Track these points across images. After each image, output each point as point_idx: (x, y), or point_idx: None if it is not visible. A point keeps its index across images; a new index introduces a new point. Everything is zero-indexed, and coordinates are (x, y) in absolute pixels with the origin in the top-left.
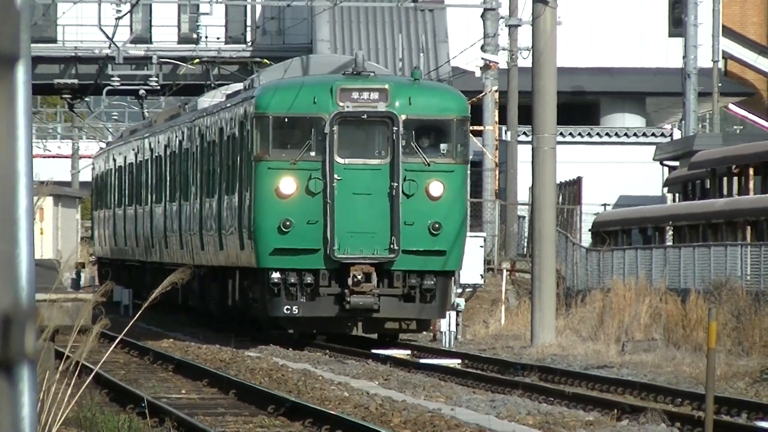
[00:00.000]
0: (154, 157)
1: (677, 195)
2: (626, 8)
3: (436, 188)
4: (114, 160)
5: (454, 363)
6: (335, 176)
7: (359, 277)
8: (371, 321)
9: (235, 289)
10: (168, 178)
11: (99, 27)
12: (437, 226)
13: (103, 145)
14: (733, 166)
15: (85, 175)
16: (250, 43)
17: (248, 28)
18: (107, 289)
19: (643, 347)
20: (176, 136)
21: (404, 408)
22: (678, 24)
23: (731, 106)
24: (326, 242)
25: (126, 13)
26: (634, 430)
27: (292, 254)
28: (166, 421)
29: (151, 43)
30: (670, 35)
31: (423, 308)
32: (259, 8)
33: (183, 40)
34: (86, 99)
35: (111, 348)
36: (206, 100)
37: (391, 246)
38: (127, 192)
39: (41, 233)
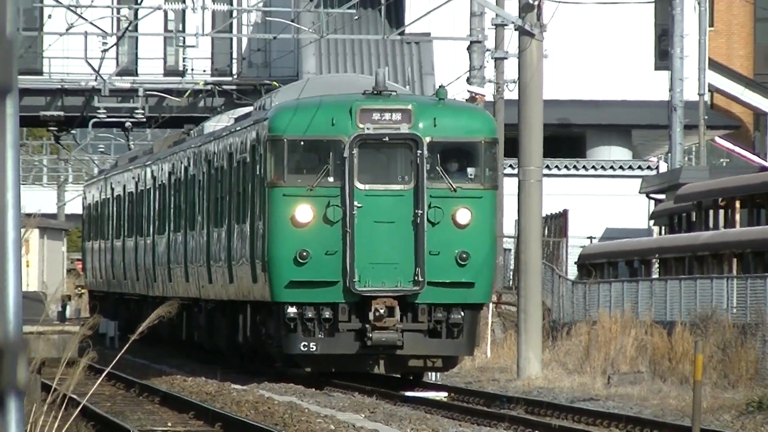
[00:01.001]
0: (157, 184)
1: (663, 228)
2: (612, 41)
3: (463, 216)
4: (111, 188)
5: (440, 396)
6: (355, 203)
7: (381, 311)
8: (394, 358)
9: (247, 325)
10: (172, 207)
11: (85, 59)
12: (465, 256)
13: (95, 174)
14: (720, 199)
15: (72, 208)
16: (236, 75)
17: (234, 61)
18: (95, 323)
19: (629, 380)
20: (181, 163)
21: None
22: (664, 57)
23: (717, 139)
24: (346, 274)
25: (112, 46)
26: None
27: (309, 287)
28: None
29: (137, 75)
30: (657, 68)
31: (450, 344)
32: (245, 41)
33: (169, 72)
34: (72, 131)
35: (98, 381)
36: (213, 125)
37: (416, 277)
38: (126, 222)
39: (27, 265)
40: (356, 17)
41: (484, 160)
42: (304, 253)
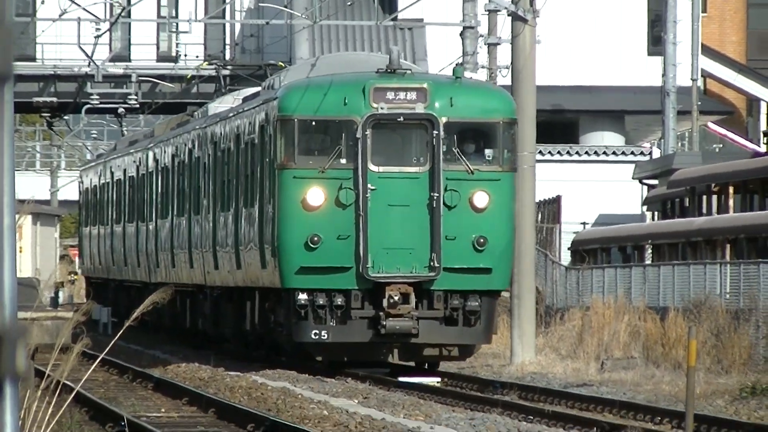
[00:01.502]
0: (159, 168)
1: (656, 213)
2: (605, 27)
3: (480, 199)
4: (111, 172)
5: (433, 381)
6: (369, 186)
7: (396, 298)
8: (409, 347)
9: (255, 312)
10: (176, 191)
11: (78, 45)
12: (482, 240)
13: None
14: (713, 185)
15: (65, 194)
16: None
17: (227, 47)
18: (88, 309)
19: (622, 365)
20: (185, 145)
21: (383, 426)
22: (657, 42)
23: (710, 125)
24: (359, 259)
25: (105, 32)
26: None
27: (320, 273)
28: None
29: (130, 61)
30: (650, 54)
31: (466, 332)
32: (238, 27)
33: (162, 58)
34: (65, 117)
35: (92, 368)
36: (218, 106)
37: (431, 263)
38: (127, 206)
39: (20, 251)
40: (349, 3)
41: (502, 141)
42: (316, 238)
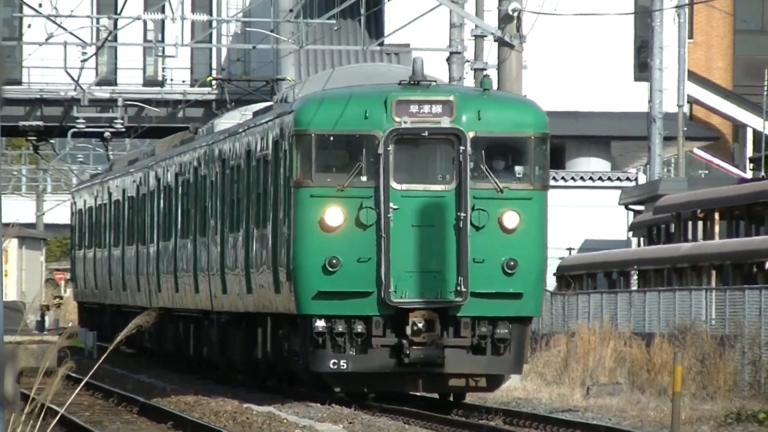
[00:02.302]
0: (162, 187)
1: (642, 239)
2: (592, 52)
3: (510, 219)
4: (108, 193)
5: (419, 407)
6: (391, 205)
7: (420, 324)
8: (434, 377)
9: (267, 340)
10: (180, 211)
11: (65, 69)
12: (512, 263)
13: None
14: (699, 211)
15: (51, 218)
16: (215, 86)
17: (213, 71)
18: (73, 332)
19: (607, 391)
20: (190, 163)
21: None
22: (644, 68)
23: (696, 151)
24: (380, 284)
25: (91, 56)
26: None
27: (339, 298)
28: None
29: (116, 85)
30: (636, 79)
31: (495, 362)
32: (224, 51)
33: (148, 82)
34: (51, 141)
35: (76, 391)
36: (225, 122)
37: (458, 288)
38: (126, 228)
39: (6, 275)
40: (336, 28)
41: (534, 158)
42: (334, 261)
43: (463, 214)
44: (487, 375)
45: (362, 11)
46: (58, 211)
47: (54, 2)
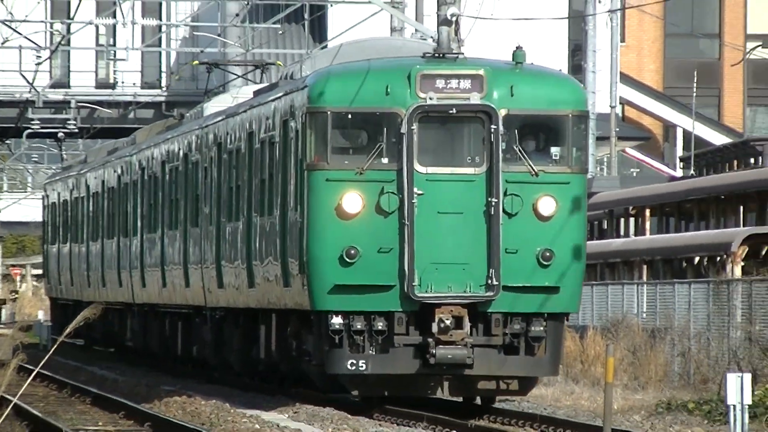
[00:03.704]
0: (146, 176)
1: None
2: (528, 55)
3: (546, 205)
4: (86, 185)
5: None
6: (415, 190)
7: (447, 321)
8: (461, 379)
9: (271, 338)
10: (167, 201)
11: (20, 72)
12: (548, 254)
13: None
14: (630, 208)
15: (6, 215)
16: (164, 88)
17: (163, 74)
18: (26, 324)
19: (543, 382)
20: (179, 149)
21: None
22: (577, 70)
23: (628, 150)
24: (403, 276)
25: (45, 59)
26: None
27: (358, 292)
28: None
29: (69, 87)
30: None
31: (529, 363)
32: (173, 54)
33: (100, 85)
34: (7, 142)
35: (28, 381)
36: (216, 106)
37: (489, 281)
38: (106, 221)
39: None
40: (281, 32)
41: (571, 138)
42: (353, 251)
43: (494, 200)
44: (520, 377)
45: (306, 16)
46: (14, 210)
47: (9, 7)
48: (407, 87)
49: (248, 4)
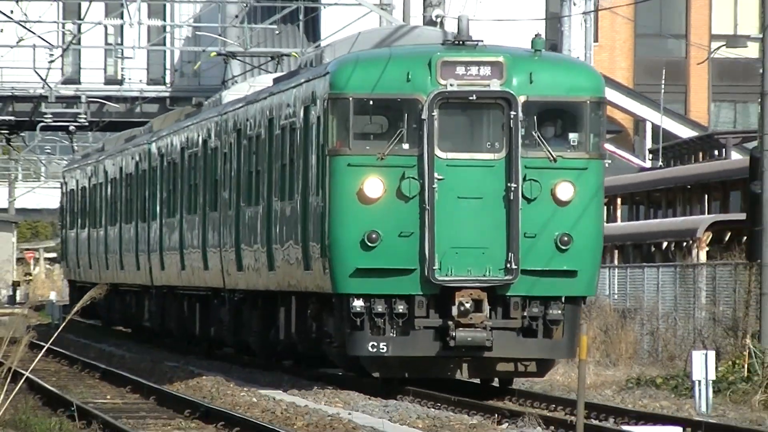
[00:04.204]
0: (165, 162)
1: None
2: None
3: (564, 190)
4: (104, 171)
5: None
6: (435, 175)
7: (467, 305)
8: (480, 361)
9: (291, 320)
10: (186, 186)
11: (34, 69)
12: (566, 239)
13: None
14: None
15: (21, 203)
16: (169, 84)
17: (167, 71)
18: (39, 304)
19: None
20: (198, 135)
21: (306, 412)
22: None
23: None
24: (423, 260)
25: (57, 57)
26: None
27: (378, 276)
28: (93, 423)
29: (80, 83)
30: None
31: (547, 345)
32: (177, 53)
33: (109, 81)
34: (22, 134)
35: (39, 355)
36: (233, 94)
37: (508, 265)
38: (124, 205)
39: None
40: (277, 32)
41: (589, 124)
42: (374, 235)
43: (513, 185)
44: (538, 359)
45: (300, 17)
46: (29, 198)
47: (24, 9)
48: (428, 74)
49: (247, 5)
